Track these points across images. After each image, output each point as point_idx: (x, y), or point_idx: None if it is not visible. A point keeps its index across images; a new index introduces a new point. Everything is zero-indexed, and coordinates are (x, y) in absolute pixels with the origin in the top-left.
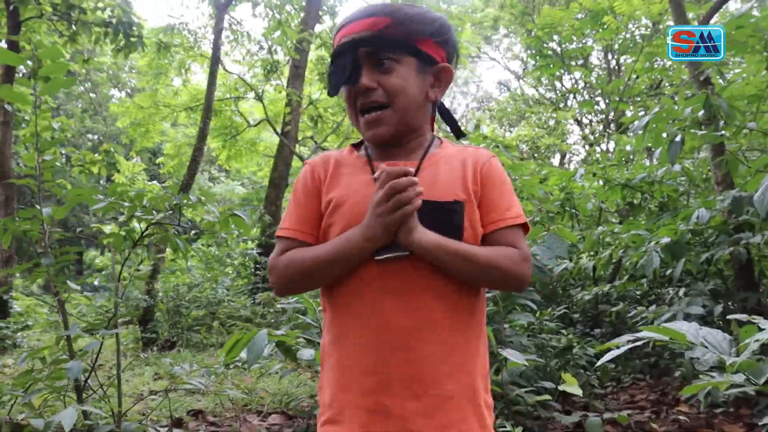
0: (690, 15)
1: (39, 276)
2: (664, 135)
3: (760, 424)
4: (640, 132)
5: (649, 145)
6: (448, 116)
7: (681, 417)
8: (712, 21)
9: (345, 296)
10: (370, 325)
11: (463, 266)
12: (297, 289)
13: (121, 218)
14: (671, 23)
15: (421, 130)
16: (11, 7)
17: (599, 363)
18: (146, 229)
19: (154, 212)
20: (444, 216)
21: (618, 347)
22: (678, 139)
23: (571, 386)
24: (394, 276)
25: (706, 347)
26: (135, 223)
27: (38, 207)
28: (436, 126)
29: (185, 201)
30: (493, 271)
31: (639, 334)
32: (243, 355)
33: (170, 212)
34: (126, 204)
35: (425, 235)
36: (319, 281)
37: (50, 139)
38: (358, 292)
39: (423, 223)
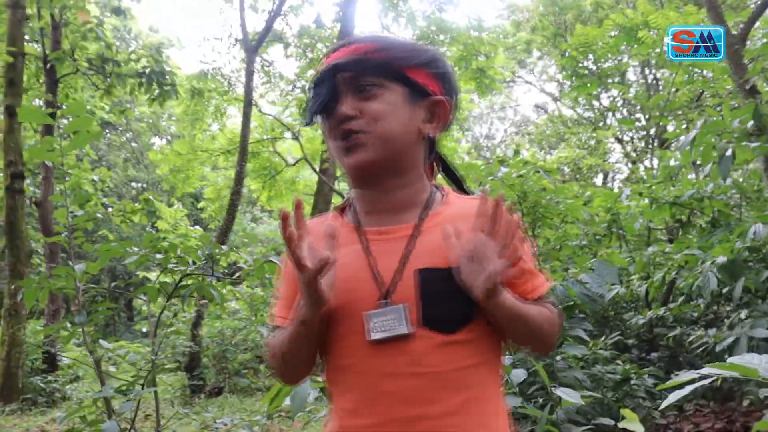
0: (729, 24)
1: (75, 334)
2: (713, 149)
3: None
4: (687, 148)
5: (695, 160)
6: (445, 166)
7: None
8: (754, 27)
9: (338, 384)
10: (368, 418)
11: (520, 325)
12: (288, 376)
13: (155, 271)
14: None
15: (413, 177)
16: (48, 65)
17: (664, 405)
18: (180, 280)
19: (190, 262)
20: (452, 286)
21: (682, 386)
22: (729, 153)
23: (632, 423)
24: (394, 356)
25: None
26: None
27: (71, 264)
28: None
29: (217, 250)
30: (539, 329)
31: (704, 371)
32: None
33: (204, 262)
34: (159, 256)
35: (504, 294)
36: (296, 367)
37: (87, 192)
38: (351, 380)
39: (428, 297)
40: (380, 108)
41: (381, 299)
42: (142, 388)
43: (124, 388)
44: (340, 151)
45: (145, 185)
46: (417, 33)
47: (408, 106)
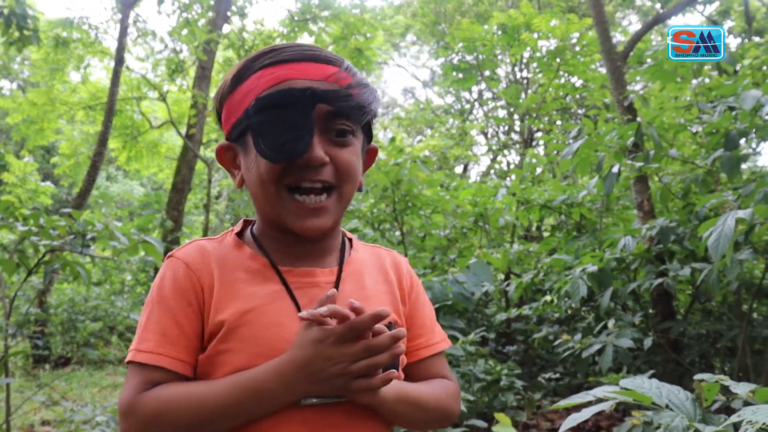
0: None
1: None
2: (590, 162)
3: None
4: (570, 157)
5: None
6: None
7: None
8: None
9: None
10: None
11: (415, 415)
12: None
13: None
14: (585, 42)
15: (338, 226)
16: None
17: (562, 430)
18: (43, 256)
19: (52, 232)
20: None
21: (578, 407)
22: (615, 170)
23: (505, 428)
24: (321, 424)
25: (672, 409)
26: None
27: None
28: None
29: (90, 227)
30: (439, 414)
31: (598, 393)
32: None
33: (72, 237)
34: (21, 227)
35: (389, 388)
36: None
37: None
38: None
39: None
40: (351, 161)
41: None
42: None
43: None
44: (293, 210)
45: None
46: (299, 6)
47: (360, 157)
